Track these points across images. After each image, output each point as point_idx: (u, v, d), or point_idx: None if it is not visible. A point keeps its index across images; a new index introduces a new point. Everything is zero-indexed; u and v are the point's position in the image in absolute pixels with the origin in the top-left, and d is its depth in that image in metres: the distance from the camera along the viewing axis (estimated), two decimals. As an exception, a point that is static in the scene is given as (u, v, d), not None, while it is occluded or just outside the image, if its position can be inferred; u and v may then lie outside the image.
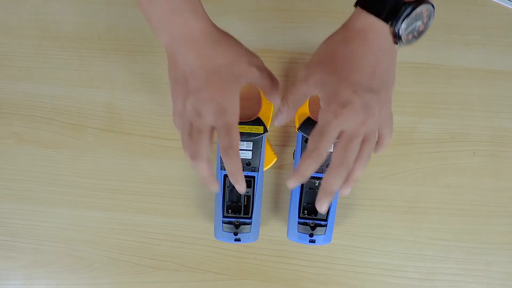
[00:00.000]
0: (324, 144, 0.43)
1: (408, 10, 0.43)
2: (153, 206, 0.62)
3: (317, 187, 0.58)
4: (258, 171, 0.58)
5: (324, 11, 0.63)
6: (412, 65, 0.63)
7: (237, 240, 0.58)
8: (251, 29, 0.63)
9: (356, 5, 0.45)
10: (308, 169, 0.44)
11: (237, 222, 0.58)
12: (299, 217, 0.58)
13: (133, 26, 0.64)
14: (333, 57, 0.45)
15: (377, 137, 0.47)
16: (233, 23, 0.64)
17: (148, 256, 0.62)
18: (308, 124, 0.58)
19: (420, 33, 0.45)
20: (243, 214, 0.58)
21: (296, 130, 0.59)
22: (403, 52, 0.63)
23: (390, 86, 0.46)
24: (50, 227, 0.63)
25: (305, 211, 0.58)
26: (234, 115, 0.46)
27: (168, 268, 0.62)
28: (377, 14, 0.43)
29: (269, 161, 0.60)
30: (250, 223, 0.58)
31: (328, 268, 0.61)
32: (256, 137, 0.59)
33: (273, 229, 0.62)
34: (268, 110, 0.61)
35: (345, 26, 0.46)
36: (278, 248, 0.62)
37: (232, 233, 0.58)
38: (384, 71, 0.45)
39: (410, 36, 0.45)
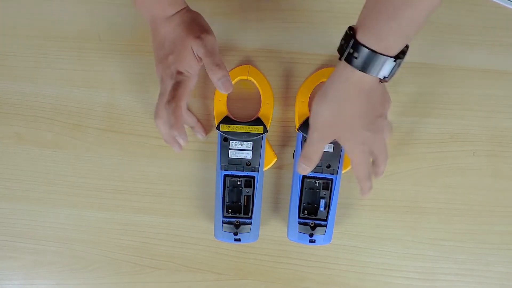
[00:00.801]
0: (367, 170, 0.54)
1: (400, 63, 0.47)
2: (153, 206, 0.62)
3: (317, 187, 0.58)
4: (258, 171, 0.58)
5: (324, 11, 0.63)
6: (412, 65, 0.63)
7: (237, 240, 0.58)
8: (251, 29, 0.63)
9: (341, 59, 0.48)
10: (367, 186, 0.54)
11: (237, 222, 0.58)
12: (299, 217, 0.58)
13: (133, 26, 0.64)
14: (337, 118, 0.50)
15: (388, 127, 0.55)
16: (233, 23, 0.64)
17: (148, 256, 0.62)
18: (308, 124, 0.57)
19: (400, 65, 0.48)
20: (243, 214, 0.58)
21: (296, 130, 0.59)
22: (403, 52, 0.63)
23: (386, 104, 0.53)
24: (50, 227, 0.63)
25: (305, 211, 0.58)
26: (186, 77, 0.54)
27: (168, 268, 0.62)
28: (374, 73, 0.47)
29: (269, 161, 0.60)
30: (250, 223, 0.58)
31: (328, 268, 0.61)
32: (256, 137, 0.59)
33: (273, 229, 0.62)
34: (268, 110, 0.61)
35: (336, 83, 0.49)
36: (278, 248, 0.62)
37: (232, 233, 0.58)
38: (379, 97, 0.51)
39: (394, 72, 0.48)
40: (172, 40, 0.54)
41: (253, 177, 0.58)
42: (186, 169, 0.62)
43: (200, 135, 0.62)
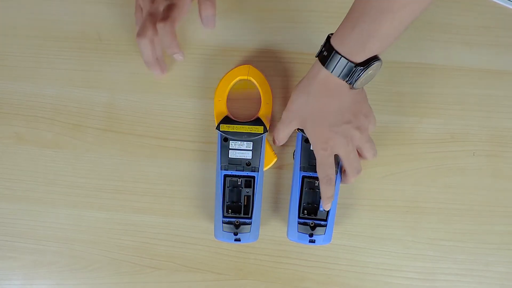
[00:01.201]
0: (328, 171, 0.55)
1: (361, 71, 0.50)
2: (153, 206, 0.62)
3: (317, 187, 0.58)
4: (258, 171, 0.58)
5: (324, 11, 0.63)
6: (412, 65, 0.63)
7: (237, 240, 0.58)
8: (252, 29, 0.63)
9: (317, 56, 0.52)
10: (329, 192, 0.55)
11: (237, 222, 0.58)
12: (299, 217, 0.58)
13: (133, 26, 0.63)
14: (305, 108, 0.54)
15: (367, 144, 0.56)
16: (233, 23, 0.64)
17: (148, 256, 0.62)
18: None
19: (371, 78, 0.52)
20: (243, 214, 0.58)
21: (296, 130, 0.59)
22: (403, 53, 0.63)
23: (358, 115, 0.54)
24: (50, 227, 0.63)
25: (305, 211, 0.58)
26: (179, 8, 0.55)
27: (168, 268, 0.62)
28: (335, 73, 0.50)
29: (269, 161, 0.60)
30: (250, 223, 0.58)
31: (328, 268, 0.61)
32: (256, 137, 0.59)
33: (273, 229, 0.62)
34: (268, 110, 0.61)
35: (309, 76, 0.53)
36: (278, 248, 0.62)
37: (232, 233, 0.58)
38: (349, 105, 0.53)
39: (362, 81, 0.51)
40: None
41: (253, 177, 0.58)
42: (186, 169, 0.62)
43: (181, 56, 0.59)
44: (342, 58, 0.49)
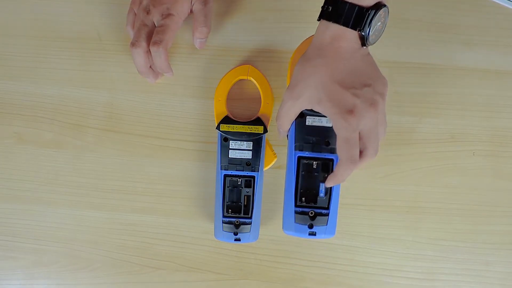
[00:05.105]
0: (354, 151, 0.47)
1: (371, 15, 0.46)
2: (153, 206, 0.62)
3: (316, 170, 0.52)
4: (258, 171, 0.58)
5: (324, 11, 0.63)
6: (412, 65, 0.63)
7: (237, 240, 0.58)
8: (252, 29, 0.63)
9: (319, 19, 0.48)
10: (346, 174, 0.48)
11: (237, 222, 0.58)
12: (296, 206, 0.51)
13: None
14: (314, 77, 0.47)
15: (384, 120, 0.49)
16: (233, 23, 0.64)
17: (148, 256, 0.62)
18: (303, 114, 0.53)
19: (380, 32, 0.49)
20: (243, 214, 0.58)
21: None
22: (403, 53, 0.63)
23: (376, 79, 0.48)
24: (50, 227, 0.63)
25: (303, 199, 0.51)
26: (175, 22, 0.57)
27: (168, 268, 0.62)
28: (345, 24, 0.46)
29: (269, 161, 0.60)
30: (250, 223, 0.58)
31: (328, 268, 0.61)
32: (256, 137, 0.59)
33: (273, 229, 0.62)
34: (268, 110, 0.61)
35: (315, 42, 0.48)
36: (278, 248, 0.62)
37: (232, 233, 0.58)
38: (364, 67, 0.48)
39: (373, 37, 0.48)
40: None
41: (253, 177, 0.58)
42: (186, 169, 0.62)
43: (171, 74, 0.62)
44: (349, 4, 0.45)
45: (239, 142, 0.59)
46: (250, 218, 0.58)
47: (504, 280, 0.61)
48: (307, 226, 0.51)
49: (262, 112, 0.61)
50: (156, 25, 0.57)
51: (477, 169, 0.62)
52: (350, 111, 0.46)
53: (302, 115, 0.51)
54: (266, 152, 0.60)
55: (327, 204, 0.51)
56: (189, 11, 0.59)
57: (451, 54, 0.63)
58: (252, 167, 0.59)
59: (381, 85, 0.48)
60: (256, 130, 0.59)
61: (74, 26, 0.64)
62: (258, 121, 0.59)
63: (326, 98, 0.47)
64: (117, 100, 0.63)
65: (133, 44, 0.57)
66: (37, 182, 0.63)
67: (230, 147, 0.59)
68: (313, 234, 0.51)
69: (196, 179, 0.62)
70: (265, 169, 0.60)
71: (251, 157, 0.59)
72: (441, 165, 0.62)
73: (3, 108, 0.64)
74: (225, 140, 0.59)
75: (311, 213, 0.51)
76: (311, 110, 0.49)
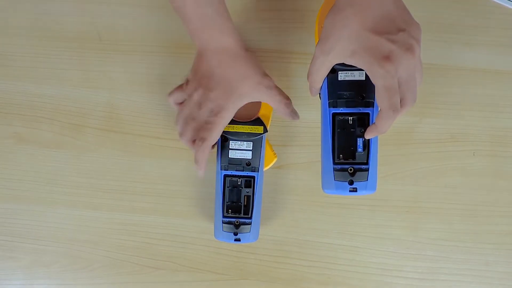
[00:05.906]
0: (395, 98, 0.45)
1: None
2: (153, 206, 0.62)
3: (352, 125, 0.50)
4: (258, 171, 0.58)
5: (324, 11, 0.63)
6: (412, 65, 0.62)
7: (237, 240, 0.58)
8: (251, 29, 0.63)
9: None
10: (388, 124, 0.46)
11: (237, 222, 0.58)
12: (334, 163, 0.48)
13: (133, 26, 0.64)
14: (347, 26, 0.45)
15: (420, 65, 0.48)
16: (235, 23, 0.63)
17: (148, 256, 0.62)
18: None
19: None
20: (243, 214, 0.58)
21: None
22: (403, 52, 0.63)
23: (411, 24, 0.46)
24: (50, 227, 0.63)
25: (341, 155, 0.49)
26: (223, 120, 0.55)
27: (168, 268, 0.62)
28: None
29: (269, 161, 0.60)
30: (250, 223, 0.58)
31: (328, 268, 0.61)
32: (256, 137, 0.59)
33: (273, 229, 0.62)
34: (268, 110, 0.61)
35: None
36: (278, 248, 0.62)
37: (232, 233, 0.58)
38: (397, 11, 0.45)
39: None
40: (229, 78, 0.54)
41: (253, 177, 0.58)
42: (186, 169, 0.62)
43: (202, 174, 0.58)
44: None
45: (239, 142, 0.59)
46: (250, 218, 0.58)
47: (504, 280, 0.61)
48: (347, 182, 0.49)
49: (262, 112, 0.60)
50: (205, 118, 0.55)
51: (477, 169, 0.62)
52: (387, 58, 0.44)
53: (333, 71, 0.49)
54: (266, 152, 0.60)
55: (366, 159, 0.49)
56: (236, 109, 0.56)
57: (451, 54, 0.63)
58: (252, 167, 0.59)
59: (416, 30, 0.46)
60: (256, 130, 0.59)
61: (74, 26, 0.64)
62: (258, 121, 0.59)
63: (360, 48, 0.45)
64: (117, 100, 0.63)
65: (181, 134, 0.56)
66: (37, 182, 0.63)
67: (230, 147, 0.59)
68: (354, 190, 0.49)
69: (196, 179, 0.62)
70: (265, 169, 0.60)
71: (251, 157, 0.59)
72: (441, 165, 0.62)
73: (3, 108, 0.64)
74: (225, 140, 0.59)
75: (350, 169, 0.49)
76: (342, 64, 0.47)
